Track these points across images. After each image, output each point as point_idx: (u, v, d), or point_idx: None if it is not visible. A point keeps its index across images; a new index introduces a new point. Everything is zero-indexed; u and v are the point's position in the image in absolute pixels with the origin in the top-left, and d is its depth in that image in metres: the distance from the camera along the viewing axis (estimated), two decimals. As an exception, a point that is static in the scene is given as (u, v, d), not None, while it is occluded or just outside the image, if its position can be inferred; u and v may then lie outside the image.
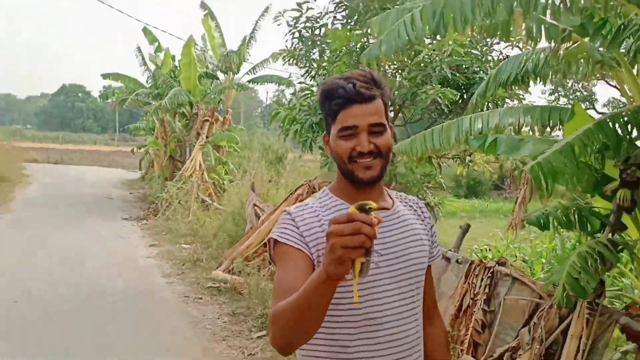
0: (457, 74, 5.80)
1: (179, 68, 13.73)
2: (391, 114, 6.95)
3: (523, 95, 6.24)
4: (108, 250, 8.38)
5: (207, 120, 13.11)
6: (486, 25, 3.55)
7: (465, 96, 6.08)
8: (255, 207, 7.55)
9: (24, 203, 13.00)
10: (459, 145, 3.95)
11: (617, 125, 2.94)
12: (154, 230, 10.20)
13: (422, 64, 5.82)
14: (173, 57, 14.84)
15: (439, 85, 5.52)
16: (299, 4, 7.24)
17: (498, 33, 3.61)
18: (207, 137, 13.00)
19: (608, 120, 2.94)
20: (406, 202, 1.72)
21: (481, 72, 6.06)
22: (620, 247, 3.23)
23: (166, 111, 12.93)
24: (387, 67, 6.23)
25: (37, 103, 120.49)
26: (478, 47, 6.24)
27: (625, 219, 3.39)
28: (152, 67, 15.24)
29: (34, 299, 5.85)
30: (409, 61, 5.93)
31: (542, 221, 3.47)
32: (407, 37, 3.14)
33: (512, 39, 5.13)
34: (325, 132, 1.62)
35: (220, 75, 14.32)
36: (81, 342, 4.81)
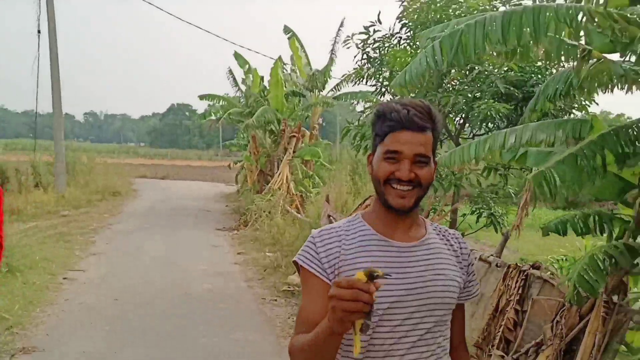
0: (512, 88, 6.04)
1: (267, 88, 14.68)
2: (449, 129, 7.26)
3: (589, 104, 6.36)
4: (200, 257, 9.25)
5: (294, 136, 13.88)
6: (505, 51, 3.87)
7: (523, 110, 6.29)
8: (330, 217, 8.10)
9: (131, 215, 14.43)
10: (492, 156, 4.26)
11: (619, 137, 3.18)
12: (243, 239, 11.06)
13: (477, 80, 6.13)
14: (262, 78, 15.84)
15: (492, 100, 5.81)
16: (366, 28, 7.75)
17: (517, 57, 3.91)
18: (293, 152, 13.76)
19: (611, 132, 3.20)
20: (443, 235, 1.69)
21: (539, 85, 6.25)
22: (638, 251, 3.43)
23: (255, 128, 13.87)
24: (447, 83, 6.58)
25: (149, 122, 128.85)
26: (537, 62, 6.43)
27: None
28: (243, 87, 16.36)
29: (132, 298, 6.71)
30: (465, 78, 6.25)
31: (559, 228, 3.74)
32: (427, 66, 3.54)
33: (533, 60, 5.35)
34: (371, 152, 1.63)
35: (307, 93, 15.10)
36: (173, 335, 5.55)
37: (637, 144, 3.37)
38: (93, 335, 5.37)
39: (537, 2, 3.92)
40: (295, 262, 1.58)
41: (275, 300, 6.82)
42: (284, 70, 14.93)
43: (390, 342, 1.51)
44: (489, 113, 5.73)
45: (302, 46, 14.92)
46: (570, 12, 3.24)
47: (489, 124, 6.45)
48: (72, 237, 10.44)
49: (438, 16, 6.37)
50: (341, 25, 14.06)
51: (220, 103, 16.73)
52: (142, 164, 39.50)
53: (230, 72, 16.44)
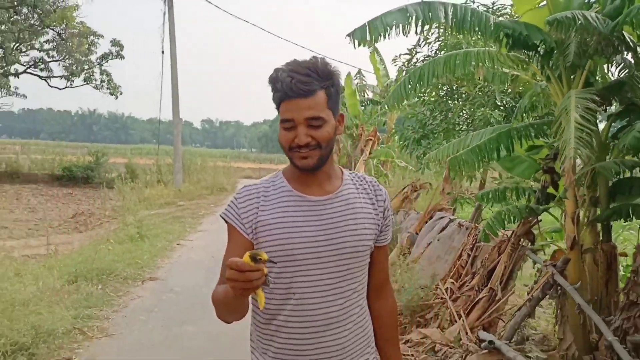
0: (509, 100, 7.70)
1: (345, 97, 16.78)
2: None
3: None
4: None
5: (370, 139, 15.84)
6: (458, 77, 5.66)
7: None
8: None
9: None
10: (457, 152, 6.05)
11: (510, 134, 4.92)
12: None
13: (481, 92, 7.84)
14: (342, 89, 17.93)
15: (488, 109, 7.52)
16: (410, 49, 9.61)
17: (465, 82, 5.69)
18: (369, 153, 15.73)
19: (505, 131, 4.94)
20: (360, 184, 1.79)
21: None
22: (535, 209, 5.11)
23: (336, 133, 16.02)
24: (458, 91, 8.32)
25: (260, 128, 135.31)
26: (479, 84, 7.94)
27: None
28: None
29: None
30: (473, 89, 7.99)
31: (483, 197, 5.49)
32: (404, 93, 5.39)
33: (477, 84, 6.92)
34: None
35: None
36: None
37: (539, 137, 5.08)
38: (195, 274, 7.73)
39: (466, 47, 5.68)
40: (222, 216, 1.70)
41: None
42: (364, 81, 16.99)
43: (306, 290, 1.63)
44: (488, 119, 7.44)
45: (381, 59, 16.89)
46: (486, 54, 5.04)
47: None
48: (185, 219, 13.17)
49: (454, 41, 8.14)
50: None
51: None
52: (250, 167, 42.88)
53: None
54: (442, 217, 6.84)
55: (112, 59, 24.95)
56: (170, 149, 24.73)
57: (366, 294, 1.80)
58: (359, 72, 16.60)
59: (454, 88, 8.18)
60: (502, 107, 7.70)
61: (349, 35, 4.67)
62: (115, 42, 24.72)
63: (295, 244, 1.63)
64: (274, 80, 1.62)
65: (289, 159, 1.67)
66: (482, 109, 7.59)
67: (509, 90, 7.59)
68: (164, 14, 18.58)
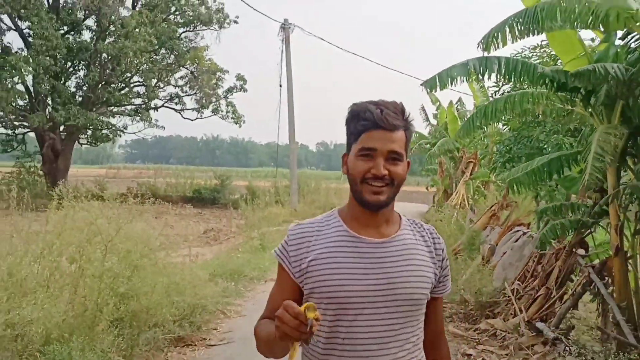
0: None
1: (447, 122, 17.85)
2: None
3: None
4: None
5: (471, 162, 16.76)
6: (518, 113, 6.73)
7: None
8: (470, 219, 11.05)
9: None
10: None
11: (560, 160, 5.93)
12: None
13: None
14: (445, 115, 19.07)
15: (561, 135, 8.41)
16: (496, 82, 10.63)
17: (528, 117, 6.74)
18: (470, 174, 16.64)
19: (555, 157, 5.97)
20: (418, 231, 1.74)
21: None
22: (585, 222, 6.03)
23: (437, 156, 17.10)
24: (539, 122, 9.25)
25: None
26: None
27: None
28: (434, 121, 19.73)
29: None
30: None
31: (542, 213, 6.47)
32: (471, 126, 6.57)
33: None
34: (346, 151, 1.69)
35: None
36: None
37: (575, 165, 6.05)
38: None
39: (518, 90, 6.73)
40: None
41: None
42: (464, 107, 17.99)
43: (359, 337, 1.58)
44: (561, 145, 8.36)
45: (481, 87, 17.81)
46: (540, 94, 6.13)
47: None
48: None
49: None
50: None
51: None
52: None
53: (423, 108, 19.99)
54: (517, 231, 7.85)
55: (236, 91, 27.65)
56: (287, 171, 26.92)
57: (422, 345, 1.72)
58: (460, 100, 17.65)
59: (537, 116, 9.15)
60: (576, 134, 8.57)
61: (422, 84, 6.00)
62: (239, 77, 27.41)
63: (347, 287, 1.57)
64: (360, 110, 1.61)
65: (356, 194, 1.62)
66: (556, 135, 8.52)
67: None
68: (282, 51, 20.74)
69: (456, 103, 18.09)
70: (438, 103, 19.62)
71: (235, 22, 25.81)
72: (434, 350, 1.81)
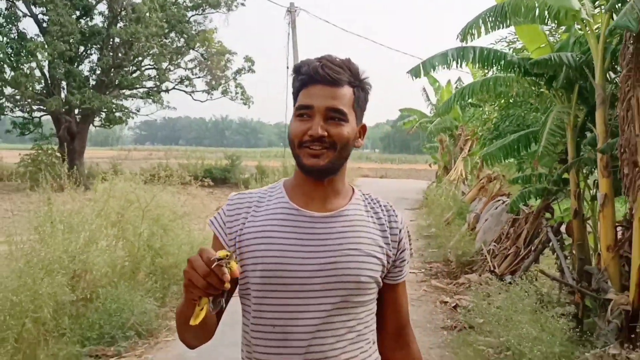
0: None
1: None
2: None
3: None
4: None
5: (469, 139, 17.62)
6: (497, 94, 7.63)
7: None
8: (463, 192, 11.98)
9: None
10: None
11: (530, 136, 6.82)
12: (418, 213, 15.36)
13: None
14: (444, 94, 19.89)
15: (540, 113, 9.28)
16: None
17: (503, 99, 7.63)
18: (468, 151, 17.52)
19: (524, 134, 6.86)
20: (372, 207, 1.56)
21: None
22: (550, 189, 6.94)
23: (436, 134, 17.98)
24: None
25: (382, 129, 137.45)
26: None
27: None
28: (434, 100, 20.59)
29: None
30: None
31: (514, 181, 7.38)
32: (450, 105, 7.48)
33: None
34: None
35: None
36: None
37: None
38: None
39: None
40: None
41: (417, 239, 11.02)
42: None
43: (290, 322, 1.39)
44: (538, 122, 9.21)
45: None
46: (511, 78, 7.01)
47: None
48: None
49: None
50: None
51: (416, 114, 21.24)
52: (370, 168, 45.07)
53: (424, 89, 20.81)
54: (498, 200, 8.79)
55: (244, 73, 28.49)
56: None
57: (377, 340, 1.56)
58: (459, 79, 18.46)
59: (512, 96, 10.01)
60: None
61: (408, 72, 6.89)
62: (247, 59, 28.21)
63: (280, 266, 1.40)
64: (298, 66, 1.47)
65: (296, 160, 1.46)
66: (534, 113, 9.37)
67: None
68: (288, 34, 21.55)
69: (455, 82, 18.84)
70: (437, 84, 20.41)
71: (243, 4, 26.53)
72: (400, 350, 1.60)
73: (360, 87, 1.50)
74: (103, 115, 27.95)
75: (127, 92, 27.77)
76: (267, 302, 1.43)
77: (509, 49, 7.70)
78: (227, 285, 1.15)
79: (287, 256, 1.41)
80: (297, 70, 1.48)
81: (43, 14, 24.51)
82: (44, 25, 24.31)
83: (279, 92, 30.56)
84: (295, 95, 1.48)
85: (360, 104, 1.51)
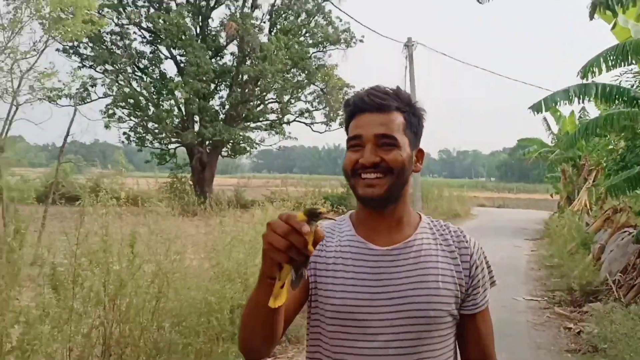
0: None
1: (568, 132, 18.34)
2: None
3: None
4: (504, 253, 13.86)
5: (593, 169, 17.20)
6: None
7: None
8: (587, 223, 11.88)
9: (464, 228, 19.75)
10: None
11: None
12: (539, 244, 15.21)
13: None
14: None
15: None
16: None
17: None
18: (593, 181, 17.09)
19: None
20: (442, 234, 1.48)
21: None
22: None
23: (559, 163, 17.69)
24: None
25: (499, 157, 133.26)
26: None
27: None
28: (555, 130, 20.26)
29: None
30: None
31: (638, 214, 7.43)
32: (574, 140, 7.72)
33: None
34: None
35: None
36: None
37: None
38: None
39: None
40: None
41: (539, 270, 11.07)
42: (587, 115, 18.38)
43: (356, 353, 1.35)
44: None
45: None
46: (634, 113, 7.19)
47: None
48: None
49: None
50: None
51: (535, 144, 20.96)
52: (486, 197, 44.14)
53: (545, 119, 20.52)
54: (624, 232, 8.79)
55: (361, 106, 29.49)
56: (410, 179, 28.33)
57: None
58: (583, 108, 18.12)
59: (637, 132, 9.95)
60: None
61: (530, 107, 7.29)
62: (364, 92, 29.27)
63: (350, 301, 1.35)
64: (347, 99, 1.46)
65: (352, 190, 1.41)
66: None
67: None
68: (405, 68, 22.25)
69: (579, 112, 18.49)
70: (558, 113, 20.09)
71: (361, 41, 27.68)
72: None
73: (412, 113, 1.45)
74: (230, 146, 30.04)
75: (252, 125, 29.70)
76: (340, 337, 1.38)
77: (636, 81, 7.84)
78: (311, 248, 1.05)
79: (356, 291, 1.37)
80: (346, 103, 1.46)
81: (181, 56, 27.06)
82: (182, 65, 26.84)
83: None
84: (347, 129, 1.45)
85: (413, 129, 1.45)
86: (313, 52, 28.57)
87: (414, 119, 1.46)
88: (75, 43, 23.50)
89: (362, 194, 1.39)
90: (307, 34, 28.46)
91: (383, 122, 1.39)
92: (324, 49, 28.72)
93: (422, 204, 24.29)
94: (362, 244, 1.43)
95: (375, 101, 1.39)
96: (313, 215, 1.04)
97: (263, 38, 26.27)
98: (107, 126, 25.51)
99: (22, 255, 3.70)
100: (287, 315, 1.33)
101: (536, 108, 7.13)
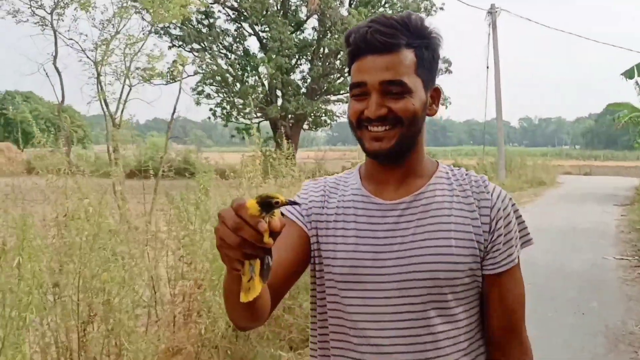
0: None
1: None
2: None
3: None
4: (593, 218, 13.86)
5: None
6: None
7: None
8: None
9: (551, 196, 19.92)
10: None
11: None
12: (629, 209, 15.21)
13: None
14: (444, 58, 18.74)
15: None
16: None
17: None
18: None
19: None
20: (460, 184, 1.28)
21: None
22: None
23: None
24: None
25: (584, 123, 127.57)
26: None
27: None
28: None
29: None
30: None
31: None
32: None
33: None
34: None
35: None
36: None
37: None
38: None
39: None
40: None
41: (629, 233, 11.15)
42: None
43: (367, 325, 1.21)
44: None
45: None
46: None
47: None
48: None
49: None
50: None
51: (627, 109, 20.34)
52: (571, 165, 42.88)
53: (637, 83, 19.86)
54: None
55: (441, 74, 29.44)
56: (488, 149, 28.16)
57: (483, 346, 1.29)
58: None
59: None
60: None
61: (622, 74, 7.46)
62: (444, 60, 29.15)
63: (352, 261, 1.22)
64: (347, 35, 1.24)
65: (359, 143, 1.26)
66: None
67: None
68: (489, 35, 22.09)
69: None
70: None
71: (442, 9, 27.53)
72: (499, 353, 1.29)
73: (424, 46, 1.22)
74: (311, 119, 30.82)
75: (333, 98, 30.31)
76: (345, 303, 1.24)
77: None
78: (268, 240, 0.86)
79: (358, 250, 1.23)
80: (346, 41, 1.24)
81: (263, 32, 27.94)
82: (264, 41, 27.74)
83: (472, 90, 30.97)
84: (349, 70, 1.26)
85: (426, 65, 1.23)
86: (392, 23, 28.65)
87: (428, 54, 1.23)
88: (166, 24, 24.85)
89: (369, 148, 1.23)
90: (386, 4, 28.56)
91: (390, 65, 1.18)
92: (404, 20, 28.72)
93: (506, 172, 24.23)
94: (366, 197, 1.28)
95: (379, 39, 1.17)
96: (267, 206, 0.87)
97: (343, 11, 26.66)
98: (197, 103, 26.86)
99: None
100: (278, 287, 1.18)
101: (629, 75, 7.30)
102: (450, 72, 29.42)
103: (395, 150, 1.21)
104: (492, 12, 21.74)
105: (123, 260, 3.06)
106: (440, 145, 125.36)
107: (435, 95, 1.29)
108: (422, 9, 27.62)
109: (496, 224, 1.24)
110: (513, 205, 1.30)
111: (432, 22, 1.26)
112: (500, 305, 1.26)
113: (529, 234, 1.33)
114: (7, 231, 2.74)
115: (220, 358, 3.79)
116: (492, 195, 1.26)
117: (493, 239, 1.23)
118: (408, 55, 1.19)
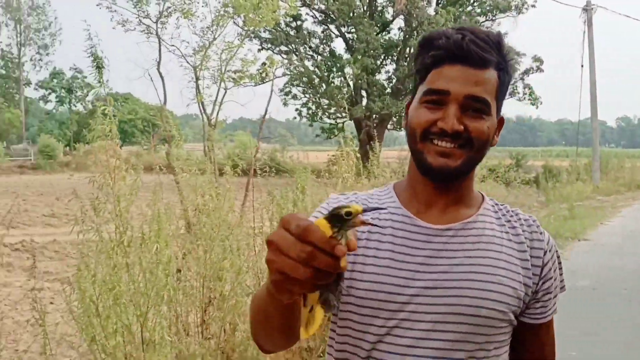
0: None
1: None
2: None
3: None
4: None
5: None
6: None
7: None
8: None
9: None
10: None
11: None
12: None
13: None
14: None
15: None
16: None
17: None
18: None
19: None
20: (508, 220, 1.18)
21: None
22: None
23: None
24: None
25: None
26: None
27: None
28: None
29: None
30: None
31: None
32: None
33: None
34: (410, 98, 1.20)
35: None
36: None
37: None
38: (615, 239, 10.75)
39: None
40: None
41: None
42: None
43: (394, 355, 1.07)
44: None
45: None
46: None
47: None
48: (605, 209, 16.05)
49: None
50: None
51: None
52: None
53: None
54: None
55: (532, 73, 28.57)
56: (581, 150, 27.10)
57: None
58: None
59: None
60: None
61: None
62: (536, 59, 28.25)
63: (385, 286, 1.08)
64: (429, 38, 1.13)
65: (415, 156, 1.14)
66: None
67: None
68: (584, 32, 21.31)
69: None
70: None
71: (534, 6, 26.73)
72: None
73: (507, 72, 1.14)
74: (395, 119, 30.82)
75: (418, 98, 30.18)
76: (366, 331, 1.10)
77: None
78: (345, 265, 0.73)
79: (389, 274, 1.09)
80: (429, 43, 1.13)
81: (349, 33, 28.28)
82: (350, 42, 28.07)
83: (564, 88, 29.86)
84: (423, 74, 1.13)
85: (503, 92, 1.16)
86: (482, 22, 28.16)
87: (507, 79, 1.15)
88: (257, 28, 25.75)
89: (433, 165, 1.10)
90: (475, 3, 28.11)
91: (480, 80, 1.08)
92: (494, 18, 28.17)
93: (601, 174, 23.24)
94: (408, 218, 1.15)
95: (475, 51, 1.07)
96: (339, 221, 0.73)
97: (431, 11, 26.53)
98: (285, 103, 27.65)
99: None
100: None
101: None
102: (541, 70, 28.56)
103: (460, 170, 1.11)
104: (587, 9, 20.94)
105: (238, 251, 3.42)
106: (529, 145, 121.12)
107: (500, 125, 1.20)
108: (513, 7, 26.97)
109: (548, 270, 1.15)
110: (557, 250, 1.21)
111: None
112: (537, 356, 1.21)
113: (563, 279, 1.23)
114: (144, 221, 3.15)
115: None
116: (544, 237, 1.17)
117: (544, 286, 1.15)
118: (493, 76, 1.10)
